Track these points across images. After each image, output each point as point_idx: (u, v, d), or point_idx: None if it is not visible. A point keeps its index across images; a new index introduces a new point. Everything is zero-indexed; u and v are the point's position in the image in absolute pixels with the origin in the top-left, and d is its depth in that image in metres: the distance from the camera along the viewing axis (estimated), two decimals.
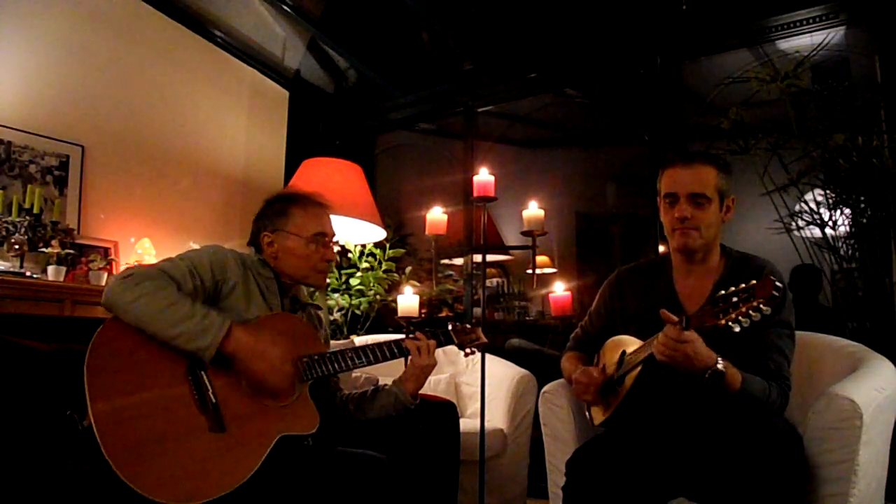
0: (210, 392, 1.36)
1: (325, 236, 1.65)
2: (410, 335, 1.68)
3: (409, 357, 1.66)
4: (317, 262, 1.63)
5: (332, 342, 2.77)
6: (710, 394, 1.44)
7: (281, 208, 1.66)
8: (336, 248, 1.75)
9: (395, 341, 1.66)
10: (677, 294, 1.68)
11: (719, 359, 1.41)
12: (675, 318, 1.40)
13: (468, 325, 1.79)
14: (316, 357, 1.53)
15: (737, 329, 1.29)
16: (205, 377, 1.37)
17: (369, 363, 1.60)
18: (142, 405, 1.29)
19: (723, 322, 1.31)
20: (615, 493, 1.47)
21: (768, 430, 1.39)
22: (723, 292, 1.34)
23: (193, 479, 1.25)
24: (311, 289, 1.83)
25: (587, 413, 1.76)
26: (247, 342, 1.39)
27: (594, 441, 1.63)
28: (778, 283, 1.27)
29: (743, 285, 1.31)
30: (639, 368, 1.54)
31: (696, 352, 1.38)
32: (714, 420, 1.47)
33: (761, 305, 1.27)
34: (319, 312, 1.80)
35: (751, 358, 1.51)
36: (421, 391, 1.69)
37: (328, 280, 3.27)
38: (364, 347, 1.61)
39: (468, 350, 1.78)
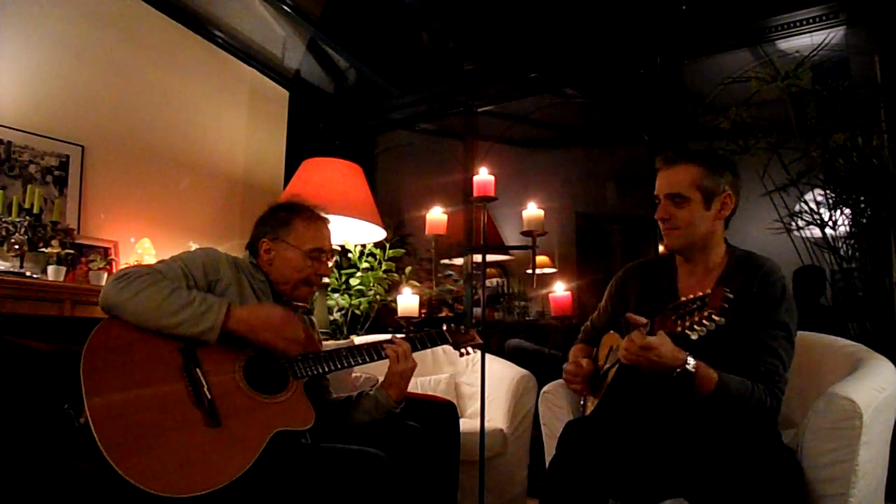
0: (205, 388, 1.37)
1: (322, 252, 1.68)
2: (388, 342, 1.69)
3: (389, 364, 1.68)
4: (310, 276, 1.66)
5: (332, 342, 2.78)
6: (682, 391, 1.45)
7: (285, 218, 1.68)
8: (334, 256, 1.76)
9: (376, 345, 1.67)
10: (679, 292, 1.68)
11: (689, 358, 1.41)
12: (644, 321, 1.43)
13: (463, 327, 1.84)
14: (301, 357, 1.54)
15: (694, 337, 1.31)
16: (200, 374, 1.39)
17: (350, 366, 1.62)
18: (137, 401, 1.31)
19: (679, 329, 1.34)
20: (599, 475, 1.47)
21: (767, 460, 1.36)
22: (682, 299, 1.36)
23: (189, 471, 1.26)
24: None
25: (581, 402, 1.80)
26: (247, 317, 1.43)
27: (583, 420, 1.66)
28: (728, 294, 1.28)
29: (700, 293, 1.33)
30: (618, 364, 1.56)
31: (659, 356, 1.39)
32: (690, 413, 1.49)
33: (713, 315, 1.28)
34: (312, 318, 1.82)
35: (742, 359, 1.51)
36: (421, 391, 1.71)
37: (327, 280, 3.27)
38: (342, 351, 1.62)
39: (463, 350, 1.83)
